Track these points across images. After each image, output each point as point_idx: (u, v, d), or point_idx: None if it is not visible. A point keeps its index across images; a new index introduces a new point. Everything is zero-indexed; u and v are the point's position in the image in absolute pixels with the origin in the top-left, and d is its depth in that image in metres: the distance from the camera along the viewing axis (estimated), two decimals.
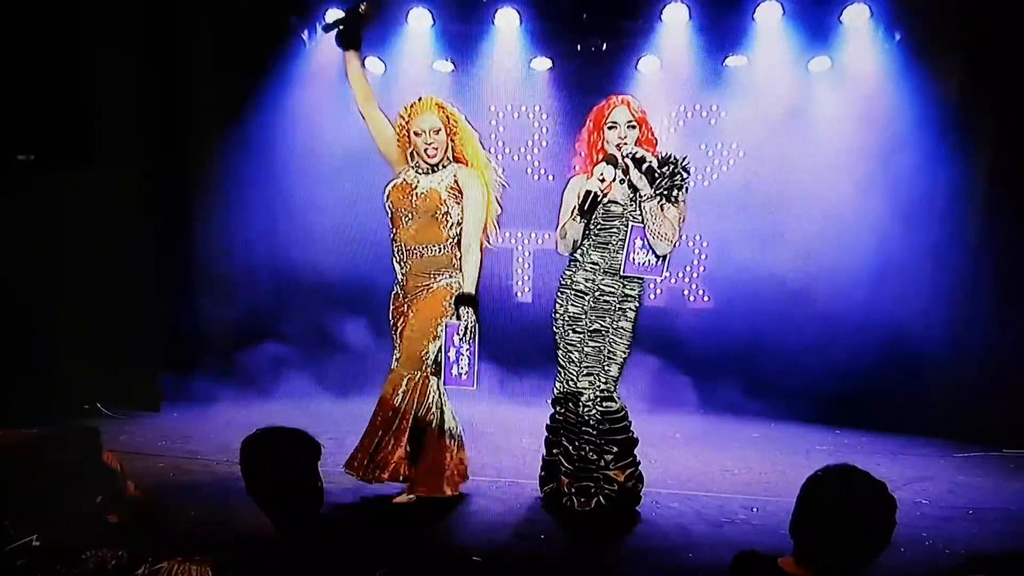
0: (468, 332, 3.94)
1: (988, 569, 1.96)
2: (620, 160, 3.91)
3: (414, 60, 7.28)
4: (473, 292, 4.03)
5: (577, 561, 3.59)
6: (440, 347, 4.02)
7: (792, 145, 7.04)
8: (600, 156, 3.99)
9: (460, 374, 3.99)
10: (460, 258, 4.09)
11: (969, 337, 6.10)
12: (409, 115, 4.06)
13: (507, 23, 7.09)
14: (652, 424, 5.19)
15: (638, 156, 3.90)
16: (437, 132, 4.03)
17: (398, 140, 4.13)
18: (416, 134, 4.03)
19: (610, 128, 3.98)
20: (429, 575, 3.36)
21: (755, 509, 4.23)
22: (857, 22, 6.65)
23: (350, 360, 7.13)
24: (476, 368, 3.98)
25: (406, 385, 4.03)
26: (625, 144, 3.95)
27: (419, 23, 7.10)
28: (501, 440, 5.64)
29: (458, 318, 3.96)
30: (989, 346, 6.01)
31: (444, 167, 4.08)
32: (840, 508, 2.06)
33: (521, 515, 4.07)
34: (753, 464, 5.27)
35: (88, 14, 5.78)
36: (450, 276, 4.07)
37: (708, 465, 5.21)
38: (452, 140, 4.08)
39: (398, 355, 4.15)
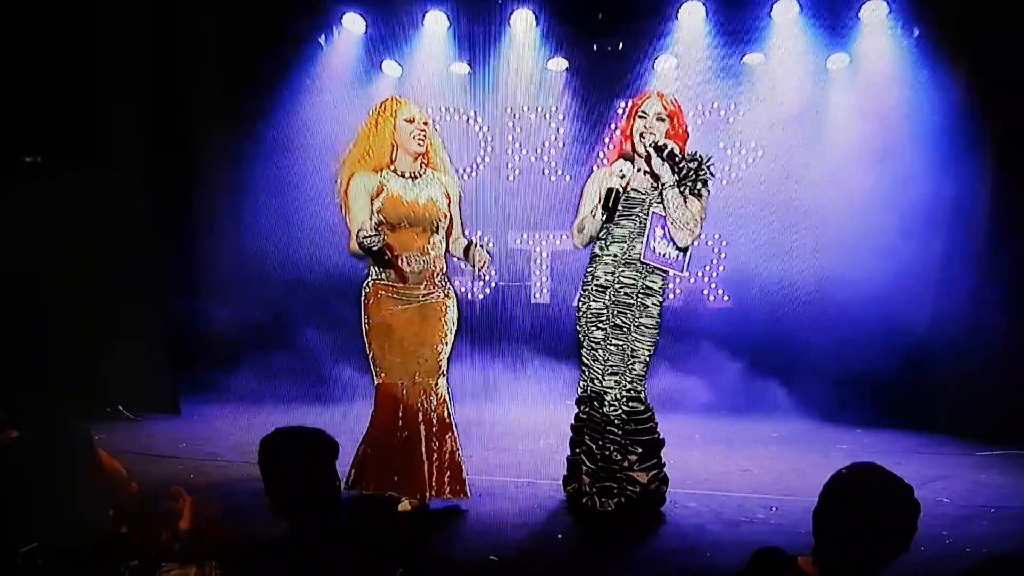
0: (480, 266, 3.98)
1: (1005, 570, 1.93)
2: (643, 149, 3.90)
3: (431, 63, 7.29)
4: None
5: (594, 561, 3.58)
6: (449, 354, 4.08)
7: (810, 143, 7.00)
8: (628, 144, 3.99)
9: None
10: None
11: (990, 335, 6.02)
12: (395, 107, 3.98)
13: (523, 24, 7.09)
14: (670, 424, 5.15)
15: (660, 143, 3.87)
16: (426, 124, 4.01)
17: (376, 137, 3.98)
18: (408, 120, 3.94)
19: (640, 117, 3.97)
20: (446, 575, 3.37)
21: (774, 509, 4.20)
22: (875, 18, 6.59)
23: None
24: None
25: (438, 395, 4.02)
26: (651, 135, 3.92)
27: (435, 26, 7.11)
28: (518, 441, 5.64)
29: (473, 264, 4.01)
30: (1010, 344, 5.93)
31: (424, 173, 4.03)
32: (863, 507, 2.04)
33: (538, 515, 4.07)
34: (772, 463, 5.24)
35: (96, 17, 5.84)
36: (446, 282, 4.10)
37: (727, 465, 5.20)
38: (431, 143, 4.07)
39: (421, 363, 4.02)
